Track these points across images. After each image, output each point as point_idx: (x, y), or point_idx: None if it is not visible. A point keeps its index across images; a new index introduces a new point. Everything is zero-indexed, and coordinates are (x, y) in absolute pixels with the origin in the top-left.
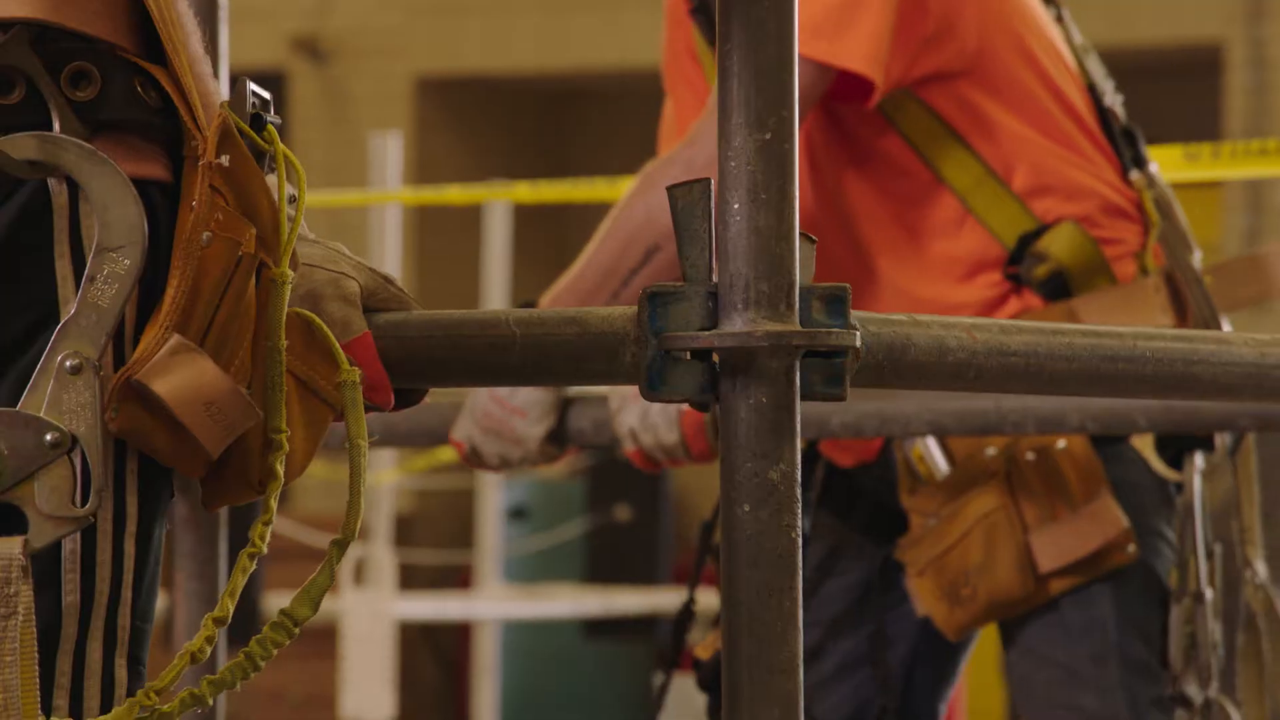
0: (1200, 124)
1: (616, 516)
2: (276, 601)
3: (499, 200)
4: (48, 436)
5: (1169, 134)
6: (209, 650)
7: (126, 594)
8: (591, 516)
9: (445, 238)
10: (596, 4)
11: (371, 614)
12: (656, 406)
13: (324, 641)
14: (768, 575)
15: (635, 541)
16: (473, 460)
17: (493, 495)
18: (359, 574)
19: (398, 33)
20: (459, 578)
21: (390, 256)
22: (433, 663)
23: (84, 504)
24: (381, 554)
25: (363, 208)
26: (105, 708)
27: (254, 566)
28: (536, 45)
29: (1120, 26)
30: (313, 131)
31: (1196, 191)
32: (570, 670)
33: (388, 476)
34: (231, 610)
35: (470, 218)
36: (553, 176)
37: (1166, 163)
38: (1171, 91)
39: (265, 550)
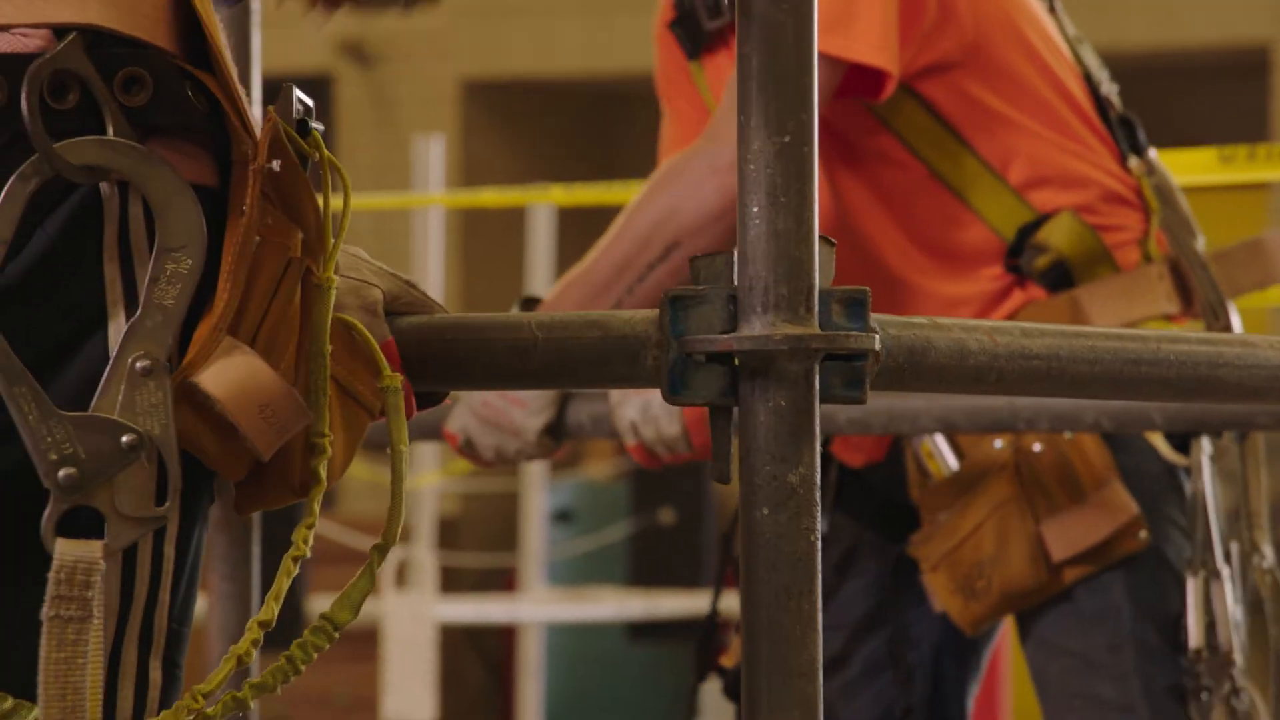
0: (1247, 125)
1: (661, 519)
2: (320, 604)
3: (542, 203)
4: (124, 438)
5: (1215, 135)
6: (254, 654)
7: (164, 596)
8: (636, 519)
9: (489, 240)
10: (641, 6)
11: (413, 616)
12: (657, 399)
13: (372, 644)
14: (787, 578)
15: (679, 544)
16: (467, 453)
17: (537, 498)
18: (401, 576)
19: (443, 36)
20: (504, 580)
21: (433, 259)
22: (477, 665)
23: (161, 504)
24: (423, 556)
25: (406, 210)
26: (139, 709)
27: (297, 569)
28: (582, 48)
29: (1167, 28)
30: (359, 135)
31: (1241, 194)
32: (614, 673)
33: (431, 479)
34: (276, 613)
35: (514, 220)
36: (597, 179)
37: (1201, 165)
38: (1218, 93)
39: (309, 553)
